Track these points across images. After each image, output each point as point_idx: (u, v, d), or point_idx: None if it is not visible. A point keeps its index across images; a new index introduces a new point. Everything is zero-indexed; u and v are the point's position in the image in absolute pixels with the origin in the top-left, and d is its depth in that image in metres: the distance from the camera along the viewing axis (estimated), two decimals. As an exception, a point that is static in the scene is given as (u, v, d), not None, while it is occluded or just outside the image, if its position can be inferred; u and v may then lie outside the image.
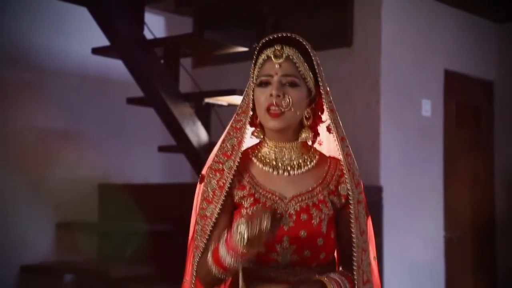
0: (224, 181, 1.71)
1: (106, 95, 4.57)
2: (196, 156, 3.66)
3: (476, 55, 5.01)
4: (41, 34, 4.26)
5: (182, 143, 3.74)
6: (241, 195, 1.72)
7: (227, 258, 1.58)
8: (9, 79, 4.10)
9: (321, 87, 1.74)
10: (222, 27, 4.86)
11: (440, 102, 4.67)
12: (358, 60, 4.30)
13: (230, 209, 1.73)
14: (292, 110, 1.69)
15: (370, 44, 4.25)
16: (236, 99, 3.71)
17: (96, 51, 4.00)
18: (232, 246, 1.56)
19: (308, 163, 1.76)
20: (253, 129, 1.78)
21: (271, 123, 1.70)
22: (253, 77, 1.74)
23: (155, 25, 4.31)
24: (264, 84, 1.71)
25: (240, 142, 1.75)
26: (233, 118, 1.80)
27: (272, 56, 1.70)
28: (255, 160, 1.76)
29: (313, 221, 1.69)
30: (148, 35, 3.88)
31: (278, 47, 1.70)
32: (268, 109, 1.69)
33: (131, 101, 4.08)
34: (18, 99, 4.12)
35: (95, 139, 4.50)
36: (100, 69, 4.47)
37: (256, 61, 1.74)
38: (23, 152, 4.09)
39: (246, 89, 1.79)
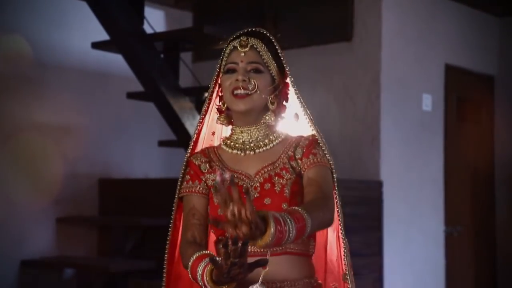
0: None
1: (106, 89, 4.57)
2: (196, 151, 3.65)
3: (477, 50, 5.00)
4: (41, 29, 4.26)
5: (182, 138, 3.73)
6: (212, 178, 1.86)
7: (199, 283, 1.68)
8: (9, 73, 4.10)
9: (289, 76, 1.89)
10: (222, 21, 4.85)
11: (440, 97, 4.66)
12: (358, 54, 4.29)
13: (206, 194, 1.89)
14: (258, 92, 1.83)
15: (370, 38, 4.24)
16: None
17: (96, 45, 4.00)
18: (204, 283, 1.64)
19: (273, 140, 1.89)
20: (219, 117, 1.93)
21: (237, 105, 1.84)
22: (220, 66, 1.92)
23: (155, 20, 4.31)
24: (230, 71, 1.87)
25: (199, 132, 1.95)
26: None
27: (238, 46, 1.87)
28: (225, 147, 1.92)
29: (275, 188, 1.80)
30: (148, 29, 3.87)
31: (243, 38, 1.87)
32: (233, 92, 1.84)
33: (131, 95, 4.08)
34: (18, 94, 4.12)
35: (95, 133, 4.50)
36: (100, 64, 4.46)
37: (224, 53, 1.92)
38: (23, 146, 4.09)
39: (213, 79, 1.94)
